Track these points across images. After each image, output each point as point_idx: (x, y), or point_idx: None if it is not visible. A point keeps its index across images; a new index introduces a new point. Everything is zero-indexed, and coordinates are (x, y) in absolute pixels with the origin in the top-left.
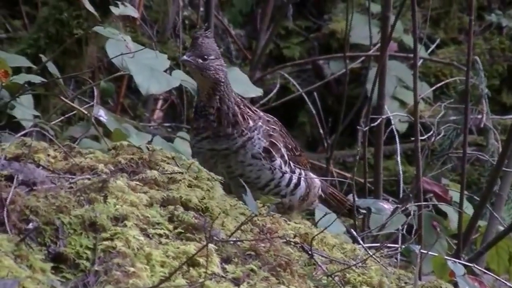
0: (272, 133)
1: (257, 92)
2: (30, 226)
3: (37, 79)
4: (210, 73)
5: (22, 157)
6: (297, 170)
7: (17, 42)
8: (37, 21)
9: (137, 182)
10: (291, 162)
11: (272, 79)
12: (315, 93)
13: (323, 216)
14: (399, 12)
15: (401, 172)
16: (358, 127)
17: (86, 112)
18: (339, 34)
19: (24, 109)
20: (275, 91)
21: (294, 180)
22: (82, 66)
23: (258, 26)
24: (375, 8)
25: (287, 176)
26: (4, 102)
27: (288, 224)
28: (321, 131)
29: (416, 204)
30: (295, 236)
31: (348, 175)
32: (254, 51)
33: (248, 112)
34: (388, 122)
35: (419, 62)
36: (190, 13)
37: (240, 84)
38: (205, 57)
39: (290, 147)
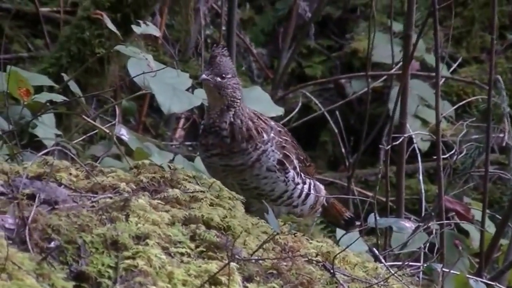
0: (285, 144)
1: (278, 111)
2: (52, 244)
3: (59, 98)
4: (228, 92)
5: (44, 176)
6: (307, 181)
7: (39, 61)
8: (59, 40)
9: (159, 201)
10: (302, 173)
11: (294, 98)
12: (337, 112)
13: (344, 234)
14: (421, 31)
15: (423, 191)
16: (380, 145)
17: (108, 131)
18: (361, 53)
19: (46, 128)
20: (297, 110)
21: (305, 191)
22: (104, 85)
23: (280, 45)
24: (397, 27)
25: (299, 187)
26: (26, 121)
27: (310, 243)
28: (343, 150)
29: (438, 222)
30: (317, 255)
31: (370, 194)
32: (276, 70)
33: (261, 125)
34: (410, 140)
35: (441, 81)
36: (212, 32)
37: (261, 103)
38: (223, 75)
39: (302, 158)
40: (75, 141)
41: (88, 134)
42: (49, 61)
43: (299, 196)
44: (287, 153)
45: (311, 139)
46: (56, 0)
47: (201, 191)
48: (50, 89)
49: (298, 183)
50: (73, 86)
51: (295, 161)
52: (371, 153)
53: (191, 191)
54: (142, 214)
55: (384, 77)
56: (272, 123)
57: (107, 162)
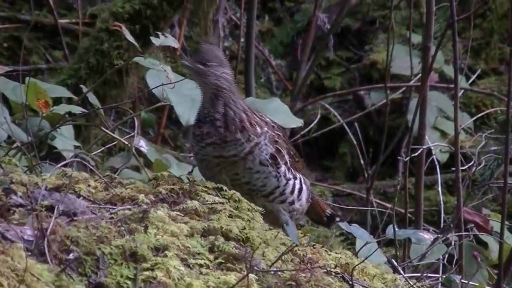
0: (277, 139)
1: (298, 122)
2: (71, 256)
3: (77, 109)
4: (210, 79)
5: (63, 187)
6: (298, 176)
7: (58, 73)
8: (78, 51)
9: (178, 213)
10: (292, 169)
11: (313, 109)
12: (356, 124)
13: (363, 246)
14: (440, 43)
15: (442, 202)
16: (399, 157)
17: (126, 143)
18: (380, 64)
19: (64, 140)
20: (316, 121)
21: (298, 186)
22: (122, 96)
23: (299, 56)
24: (416, 38)
25: (291, 183)
26: (45, 133)
27: (329, 254)
28: (361, 161)
29: (457, 234)
30: (335, 266)
31: (389, 205)
32: (294, 81)
33: (256, 118)
34: (429, 152)
35: (460, 93)
36: (231, 44)
37: (280, 114)
38: (205, 63)
39: (292, 153)
40: (94, 153)
41: (106, 146)
42: (67, 72)
43: (292, 192)
44: (279, 148)
45: (330, 151)
46: (74, 12)
47: (220, 203)
48: (69, 101)
49: (289, 179)
50: (92, 98)
51: (286, 156)
52: (390, 164)
53: (210, 202)
54: (161, 226)
55: (403, 88)
56: (267, 119)
57: (126, 174)
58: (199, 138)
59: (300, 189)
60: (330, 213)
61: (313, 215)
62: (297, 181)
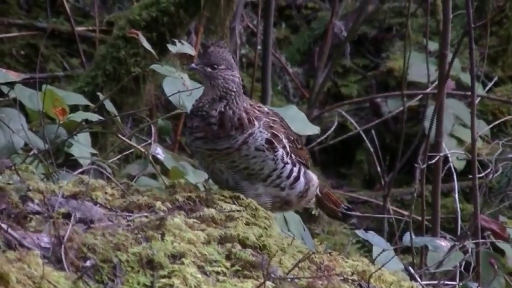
0: (272, 124)
1: (314, 130)
2: (88, 263)
3: (94, 117)
4: (219, 82)
5: (80, 195)
6: (298, 165)
7: (75, 80)
8: (95, 59)
9: (195, 220)
10: (292, 155)
11: (330, 117)
12: (372, 131)
13: (380, 253)
14: (456, 50)
15: (459, 210)
16: (416, 165)
17: (143, 150)
18: (397, 72)
19: (81, 147)
20: (332, 129)
21: (295, 174)
22: (139, 104)
23: (316, 64)
24: (433, 46)
25: (289, 167)
26: (62, 140)
27: (346, 262)
28: (378, 168)
29: (474, 241)
30: (352, 274)
31: (406, 213)
32: (311, 89)
33: (256, 113)
34: (446, 159)
35: (477, 100)
36: (248, 51)
37: (297, 122)
38: (214, 66)
39: (292, 138)
40: (110, 160)
41: (123, 153)
42: (84, 80)
43: (288, 176)
44: (275, 132)
45: (347, 158)
46: (91, 19)
47: (237, 210)
48: (86, 108)
49: (287, 163)
50: (109, 105)
51: (285, 140)
52: (407, 172)
53: (227, 210)
54: (177, 233)
55: (420, 96)
56: (266, 109)
57: (143, 181)
58: (190, 131)
59: (296, 178)
60: (346, 208)
61: (325, 209)
62: (295, 169)
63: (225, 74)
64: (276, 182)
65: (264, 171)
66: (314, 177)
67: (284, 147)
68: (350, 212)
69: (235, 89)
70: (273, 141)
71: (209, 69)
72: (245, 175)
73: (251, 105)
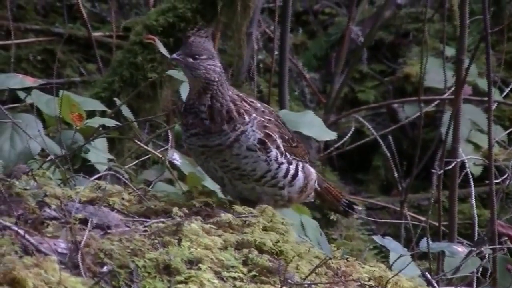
0: (267, 124)
1: (331, 135)
2: (105, 269)
3: (111, 122)
4: (200, 73)
5: (97, 200)
6: (294, 162)
7: (92, 86)
8: (112, 64)
9: (211, 225)
10: (287, 153)
11: (347, 122)
12: (389, 137)
13: (397, 259)
14: (473, 56)
15: (475, 216)
16: (433, 170)
17: (160, 156)
18: (414, 77)
19: (98, 153)
20: (349, 134)
21: (292, 171)
22: (156, 109)
23: (333, 69)
24: (450, 51)
25: (284, 167)
26: (79, 146)
27: (363, 267)
28: (395, 174)
29: (491, 247)
30: (369, 279)
31: (423, 218)
32: (328, 94)
33: (245, 107)
34: (462, 165)
35: (494, 106)
36: (265, 57)
37: (314, 127)
38: (196, 56)
39: (286, 137)
40: (127, 166)
41: (140, 159)
42: (101, 85)
43: (285, 176)
44: (269, 132)
45: (364, 164)
46: (108, 25)
47: (254, 216)
48: (103, 114)
49: (282, 163)
50: (126, 111)
51: (278, 140)
52: (424, 177)
53: (244, 215)
54: (194, 239)
55: (437, 101)
56: (258, 104)
57: (160, 187)
58: (185, 128)
59: (294, 176)
60: (346, 202)
61: (326, 204)
62: (292, 166)
63: (207, 64)
64: (271, 182)
65: (257, 172)
66: (312, 171)
67: (278, 147)
68: (351, 207)
69: (216, 79)
70: (266, 141)
71: (190, 60)
72: (237, 176)
73: (238, 95)
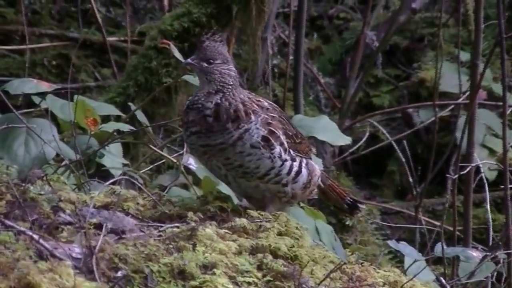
0: (270, 121)
1: (346, 140)
2: (119, 274)
3: (126, 127)
4: (215, 77)
5: (111, 205)
6: (298, 158)
7: (106, 91)
8: (126, 69)
9: (226, 230)
10: (291, 150)
11: (362, 127)
12: (404, 141)
13: (412, 263)
14: (488, 60)
15: (490, 220)
16: (448, 175)
17: (175, 161)
18: (429, 82)
19: (113, 158)
20: (364, 139)
21: (295, 168)
22: (171, 114)
23: (348, 74)
24: (465, 56)
25: (288, 164)
26: (93, 151)
27: (377, 272)
28: (410, 179)
29: (506, 252)
30: (384, 284)
31: (437, 223)
32: (343, 99)
33: (254, 107)
34: (477, 170)
35: (508, 110)
36: (279, 61)
37: (329, 132)
38: (210, 60)
39: (290, 134)
40: (142, 171)
41: (155, 164)
42: (116, 90)
43: (288, 173)
44: (273, 129)
45: (379, 168)
46: (123, 30)
47: (268, 221)
48: (117, 119)
49: (285, 160)
50: (140, 116)
51: (282, 137)
52: (439, 182)
53: (259, 220)
54: (209, 244)
55: (451, 106)
56: (266, 103)
57: (175, 192)
58: (186, 126)
59: (298, 172)
60: (351, 200)
61: (330, 202)
62: (296, 163)
63: (221, 68)
64: (275, 179)
65: (260, 169)
66: (316, 167)
67: (281, 144)
68: (356, 205)
69: (231, 83)
70: (270, 138)
71: (205, 64)
72: (240, 173)
73: (249, 98)
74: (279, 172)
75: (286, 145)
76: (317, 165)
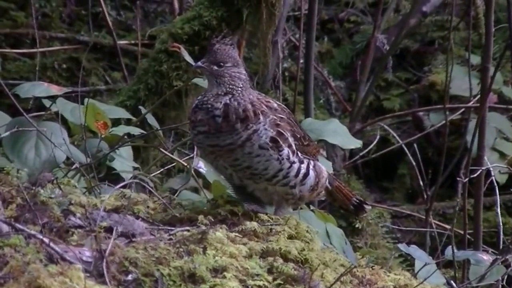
0: (279, 122)
1: (356, 143)
2: (130, 277)
3: (136, 131)
4: (225, 80)
5: (122, 208)
6: (305, 160)
7: (117, 94)
8: (137, 73)
9: (237, 234)
10: (298, 152)
11: (372, 130)
12: (415, 145)
13: (422, 267)
14: (498, 64)
15: (501, 224)
16: (458, 178)
17: (185, 164)
18: (439, 85)
19: (123, 161)
20: (375, 142)
21: (303, 170)
22: (181, 117)
23: (358, 77)
24: (475, 59)
25: (296, 166)
26: (104, 154)
27: (388, 276)
28: (421, 182)
29: None
30: None
31: (448, 226)
32: (353, 102)
33: (262, 108)
34: (487, 173)
35: None
36: (290, 65)
37: (339, 135)
38: (221, 63)
39: (298, 136)
40: (152, 174)
41: (165, 167)
42: (126, 94)
43: (296, 175)
44: (281, 131)
45: (389, 172)
46: (133, 33)
47: (278, 224)
48: (128, 122)
49: (294, 162)
50: (151, 119)
51: (290, 139)
52: (449, 185)
53: (269, 224)
54: (219, 247)
55: (462, 109)
56: (275, 104)
57: (185, 195)
58: (193, 125)
59: (306, 174)
60: (357, 201)
61: (337, 202)
62: (303, 165)
63: (232, 71)
64: (283, 182)
65: (269, 171)
66: (323, 169)
67: (289, 146)
68: (362, 206)
69: (241, 85)
70: (278, 139)
71: (215, 67)
72: (248, 175)
73: (258, 98)
74: (287, 174)
75: (294, 147)
76: (325, 167)
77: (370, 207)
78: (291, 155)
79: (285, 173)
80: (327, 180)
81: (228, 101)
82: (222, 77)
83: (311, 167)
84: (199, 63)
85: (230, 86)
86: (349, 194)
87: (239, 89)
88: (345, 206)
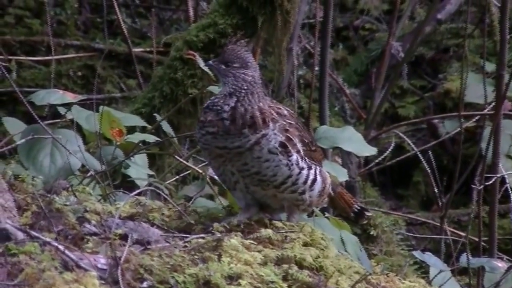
0: (288, 128)
1: (371, 151)
2: (145, 285)
3: (151, 138)
4: (229, 80)
5: (137, 216)
6: (313, 166)
7: (132, 101)
8: (152, 80)
9: (252, 241)
10: (306, 158)
11: (387, 138)
12: (430, 152)
13: (437, 274)
14: None
15: None
16: (473, 185)
17: (201, 171)
18: (454, 93)
19: (138, 168)
20: (390, 150)
21: (312, 176)
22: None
23: (373, 85)
24: (490, 67)
25: (305, 172)
26: (119, 161)
27: (403, 283)
28: (435, 190)
29: None
30: None
31: (463, 234)
32: (368, 110)
33: (273, 115)
34: (502, 180)
35: None
36: (305, 72)
37: (354, 143)
38: (228, 63)
39: (306, 141)
40: (168, 182)
41: (181, 175)
42: (141, 101)
43: (305, 182)
44: (290, 136)
45: (404, 179)
46: (149, 41)
47: (294, 231)
48: (143, 130)
49: (302, 168)
50: (166, 127)
51: (299, 145)
52: (464, 193)
53: (284, 231)
54: (234, 254)
55: (477, 117)
56: (285, 111)
57: (200, 202)
58: (201, 125)
59: (314, 180)
60: (358, 208)
61: (338, 209)
62: (312, 171)
63: (237, 72)
64: (291, 189)
65: (277, 177)
66: (327, 175)
67: (298, 152)
68: (363, 213)
69: (245, 87)
70: (287, 145)
71: (222, 66)
72: (256, 181)
73: (270, 106)
74: (296, 181)
75: (302, 152)
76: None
77: (370, 214)
78: (300, 161)
79: (294, 180)
80: (330, 187)
81: (234, 105)
82: (227, 77)
83: (317, 172)
84: (210, 62)
85: (233, 87)
86: (351, 201)
87: (243, 91)
88: (345, 213)
